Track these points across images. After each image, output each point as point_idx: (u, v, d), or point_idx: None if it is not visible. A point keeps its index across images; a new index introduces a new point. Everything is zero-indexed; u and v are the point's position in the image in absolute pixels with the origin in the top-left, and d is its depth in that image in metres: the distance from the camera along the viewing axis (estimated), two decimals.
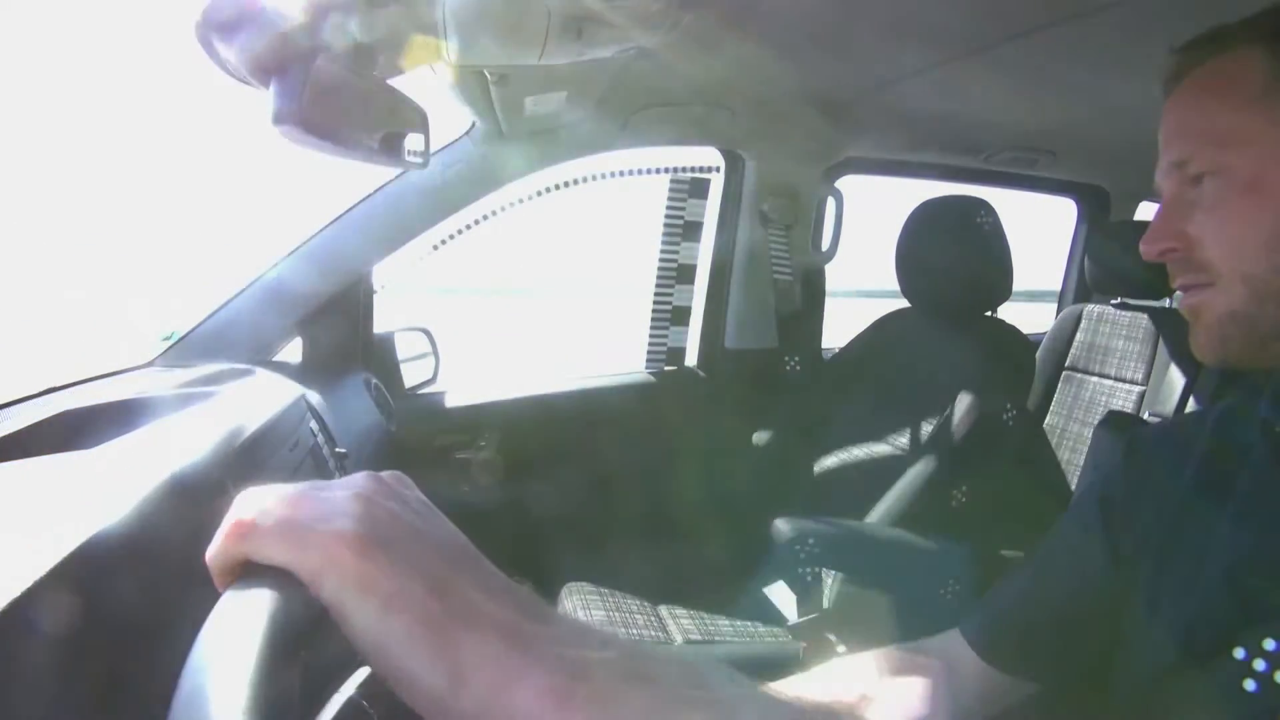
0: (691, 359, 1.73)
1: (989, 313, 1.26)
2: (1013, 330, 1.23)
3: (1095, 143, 1.77)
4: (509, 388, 1.56)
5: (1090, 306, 1.81)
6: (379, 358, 1.37)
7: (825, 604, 1.20)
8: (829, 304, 1.74)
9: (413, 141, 0.82)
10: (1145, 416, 1.59)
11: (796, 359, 1.47)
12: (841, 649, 1.11)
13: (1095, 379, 1.74)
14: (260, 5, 0.56)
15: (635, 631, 1.18)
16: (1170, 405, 1.54)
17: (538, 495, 1.49)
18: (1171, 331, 1.61)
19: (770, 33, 1.09)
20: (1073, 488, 1.66)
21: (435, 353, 1.49)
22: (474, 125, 1.29)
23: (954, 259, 1.23)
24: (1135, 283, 1.65)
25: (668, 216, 1.65)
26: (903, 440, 1.25)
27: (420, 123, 0.82)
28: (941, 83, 1.30)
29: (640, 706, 0.24)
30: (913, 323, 1.38)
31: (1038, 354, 1.77)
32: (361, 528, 0.24)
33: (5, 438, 0.59)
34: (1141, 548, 0.45)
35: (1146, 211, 2.12)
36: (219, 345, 1.16)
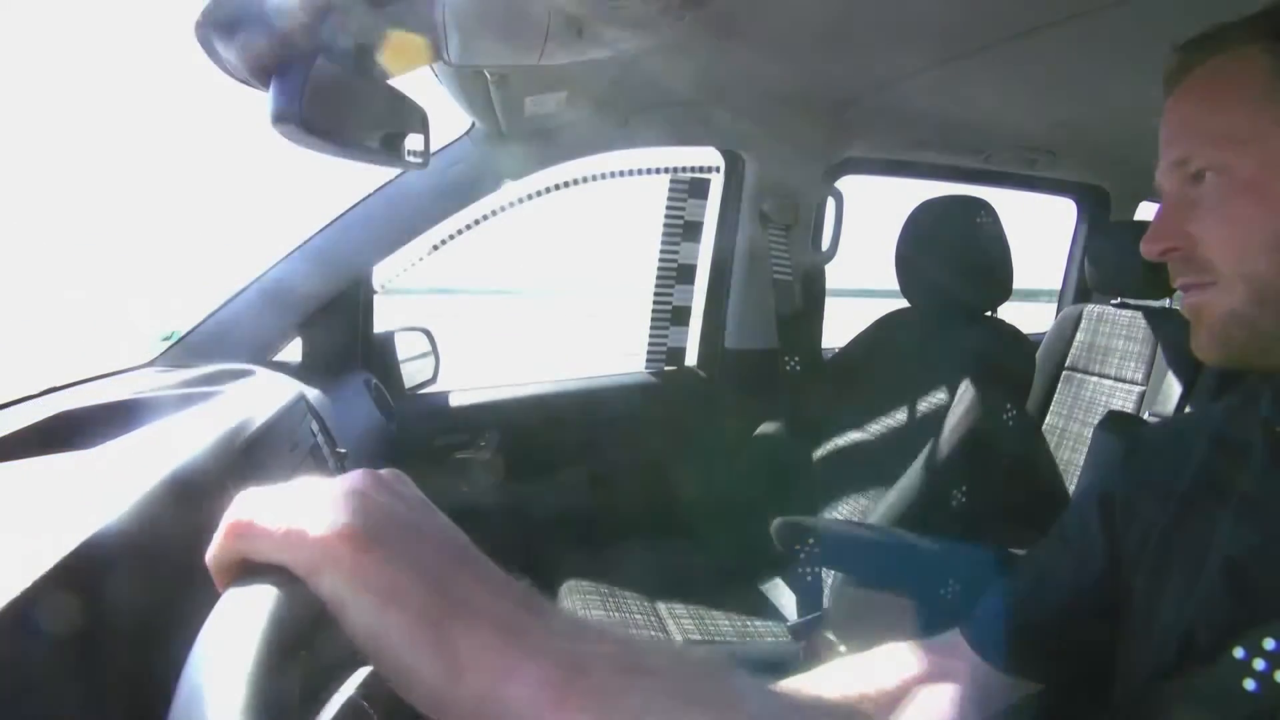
0: (691, 359, 1.74)
1: (989, 313, 1.26)
2: (1013, 330, 1.23)
3: (1095, 143, 1.77)
4: (509, 388, 1.56)
5: (1090, 306, 1.81)
6: (379, 358, 1.37)
7: (825, 604, 1.20)
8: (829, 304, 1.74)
9: (413, 141, 0.82)
10: (1145, 416, 1.59)
11: (796, 359, 1.47)
12: (842, 649, 1.11)
13: (1095, 379, 1.74)
14: (260, 5, 0.56)
15: (635, 631, 1.18)
16: (1170, 405, 1.54)
17: (538, 495, 1.49)
18: (1172, 331, 1.61)
19: (770, 33, 1.10)
20: (1073, 488, 1.66)
21: (435, 353, 1.49)
22: (474, 125, 1.29)
23: (954, 259, 1.23)
24: (1135, 283, 1.65)
25: (668, 216, 1.65)
26: (902, 440, 1.25)
27: (420, 123, 0.82)
28: (941, 83, 1.30)
29: (639, 700, 0.24)
30: (913, 323, 1.38)
31: (1038, 354, 1.77)
32: (357, 522, 0.24)
33: (5, 438, 0.59)
34: (1141, 547, 0.45)
35: (1146, 211, 2.12)
36: (219, 345, 1.16)
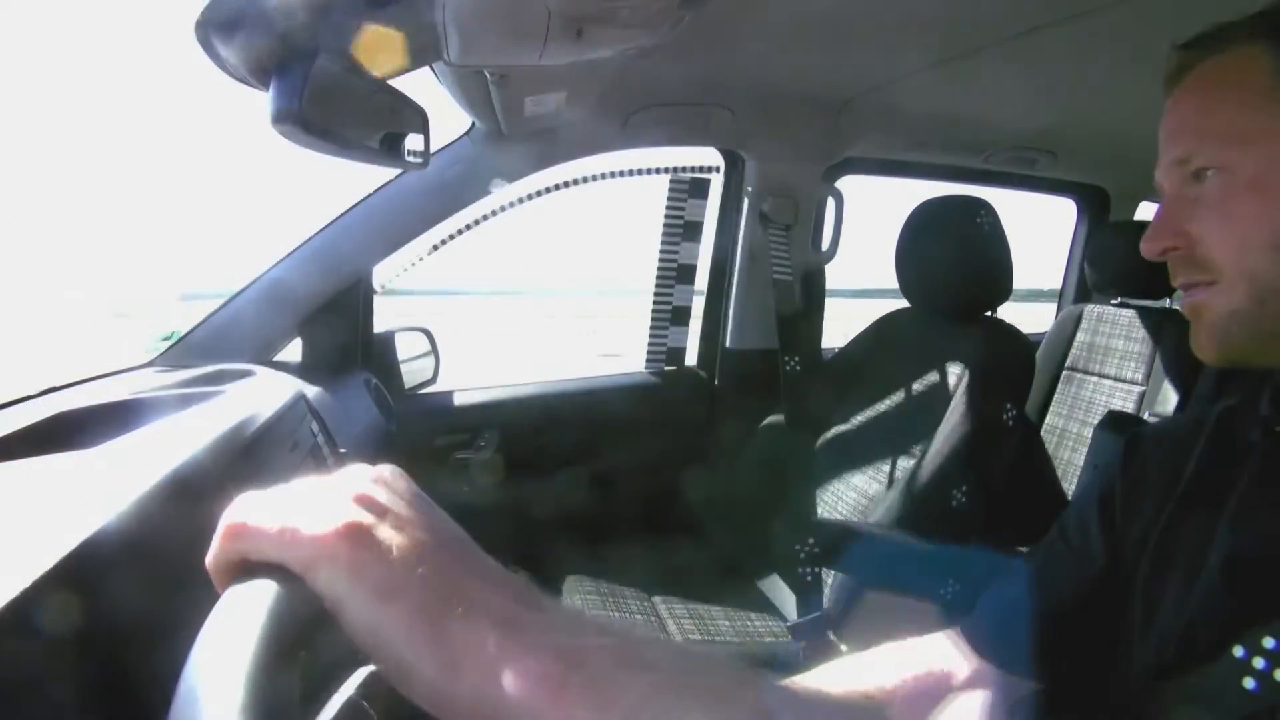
0: (691, 359, 1.74)
1: (989, 313, 1.26)
2: (1013, 330, 1.23)
3: (1095, 143, 1.77)
4: (509, 388, 1.56)
5: (1090, 306, 1.81)
6: (379, 358, 1.37)
7: (825, 604, 1.20)
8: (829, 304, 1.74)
9: (413, 141, 0.82)
10: (1145, 416, 1.59)
11: (796, 359, 1.47)
12: (842, 649, 1.11)
13: (1095, 379, 1.74)
14: (260, 5, 0.56)
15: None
16: (1170, 405, 1.54)
17: (537, 496, 1.49)
18: (1172, 331, 1.61)
19: (770, 32, 1.10)
20: (1072, 488, 1.66)
21: (435, 353, 1.49)
22: (474, 125, 1.29)
23: (954, 259, 1.23)
24: (1135, 283, 1.66)
25: (668, 216, 1.65)
26: (902, 440, 1.25)
27: (420, 123, 0.82)
28: (941, 82, 1.30)
29: (637, 693, 0.24)
30: (912, 323, 1.38)
31: (1038, 354, 1.77)
32: (352, 517, 0.24)
33: (5, 437, 0.59)
34: (1141, 547, 0.45)
35: (1146, 211, 2.12)
36: (219, 345, 1.16)
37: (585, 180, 1.51)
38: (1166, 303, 1.71)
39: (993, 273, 1.23)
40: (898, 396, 1.32)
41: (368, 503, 0.25)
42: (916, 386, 1.28)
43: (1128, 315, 1.71)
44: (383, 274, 1.36)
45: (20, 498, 0.45)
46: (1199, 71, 0.42)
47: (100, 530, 0.39)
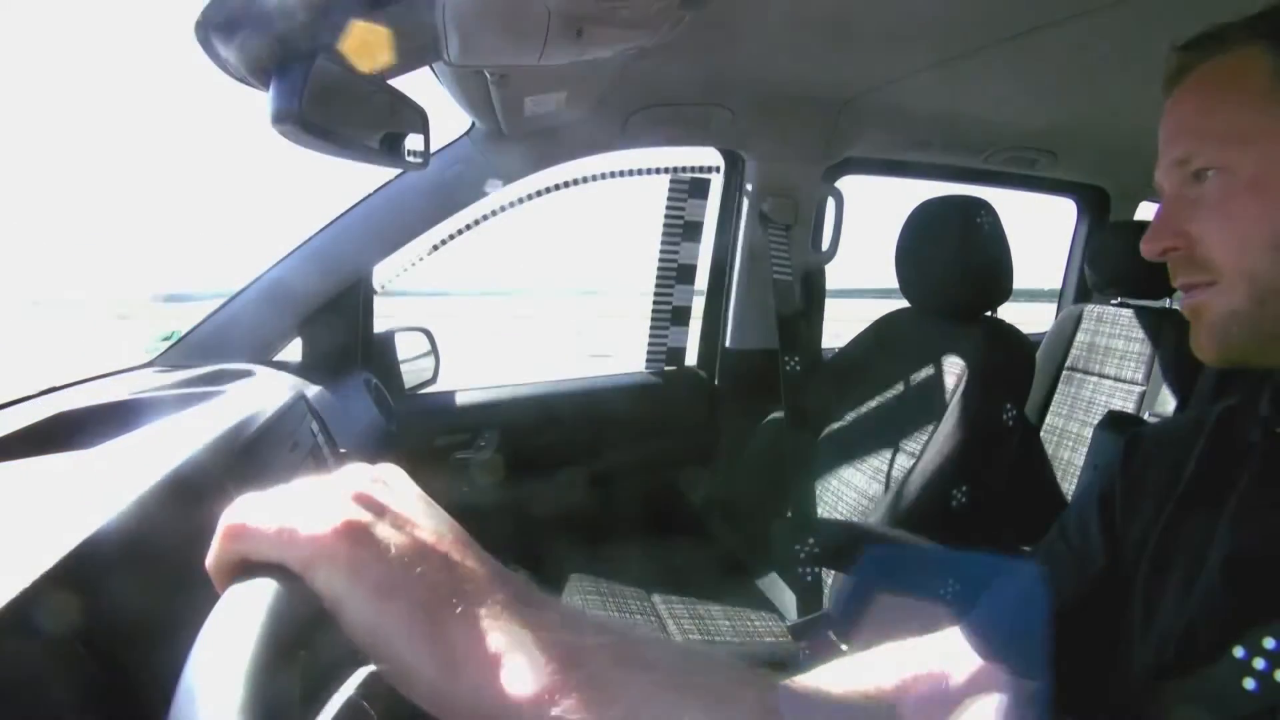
0: (691, 359, 1.74)
1: (989, 312, 1.26)
2: (1013, 330, 1.23)
3: (1095, 143, 1.77)
4: (509, 388, 1.56)
5: (1090, 306, 1.81)
6: (379, 358, 1.37)
7: (825, 604, 1.20)
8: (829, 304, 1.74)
9: (413, 141, 0.82)
10: (1145, 416, 1.59)
11: (796, 359, 1.47)
12: (843, 649, 1.11)
13: (1095, 379, 1.74)
14: (260, 5, 0.56)
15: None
16: (1170, 405, 1.54)
17: (537, 496, 1.49)
18: (1172, 331, 1.60)
19: (770, 32, 1.10)
20: (1072, 488, 1.66)
21: (435, 353, 1.49)
22: (474, 125, 1.29)
23: (954, 259, 1.23)
24: (1135, 283, 1.65)
25: (668, 216, 1.65)
26: (902, 440, 1.25)
27: (420, 123, 0.82)
28: (941, 82, 1.30)
29: (637, 692, 0.24)
30: (912, 322, 1.38)
31: (1038, 354, 1.77)
32: (351, 516, 0.24)
33: (5, 437, 0.59)
34: (1141, 547, 0.45)
35: (1146, 211, 2.12)
36: (219, 345, 1.16)
37: (585, 180, 1.51)
38: (1166, 303, 1.71)
39: (993, 273, 1.23)
40: (898, 396, 1.32)
41: (367, 502, 0.25)
42: (916, 387, 1.28)
43: (1128, 315, 1.71)
44: (383, 274, 1.36)
45: (20, 498, 0.45)
46: (1199, 72, 0.42)
47: (100, 530, 0.39)
